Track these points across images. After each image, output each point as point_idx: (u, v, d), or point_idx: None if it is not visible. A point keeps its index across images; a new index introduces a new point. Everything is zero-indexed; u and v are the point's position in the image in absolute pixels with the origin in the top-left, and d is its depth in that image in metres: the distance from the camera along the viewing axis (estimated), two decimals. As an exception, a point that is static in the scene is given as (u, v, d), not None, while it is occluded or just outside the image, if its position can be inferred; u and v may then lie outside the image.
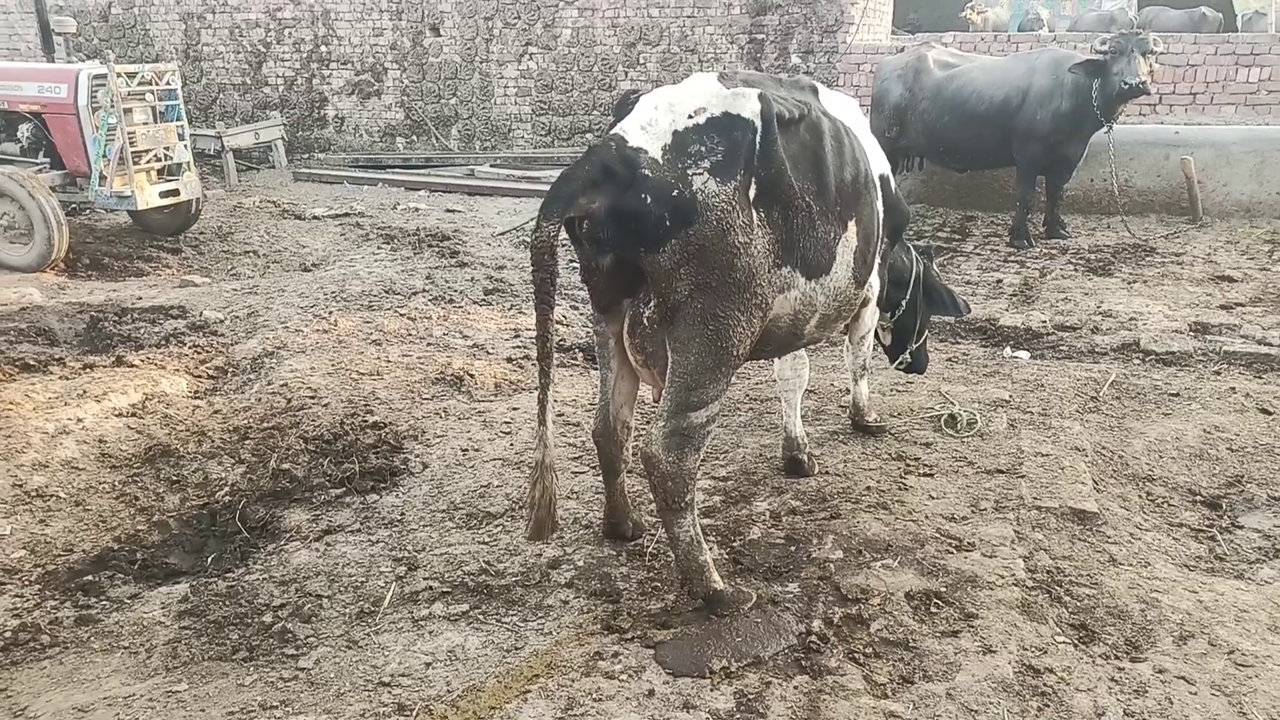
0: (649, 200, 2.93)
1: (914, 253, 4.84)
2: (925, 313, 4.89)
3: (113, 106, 7.99)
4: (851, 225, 3.54)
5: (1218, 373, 5.73)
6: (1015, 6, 26.43)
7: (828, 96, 3.73)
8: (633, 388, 3.58)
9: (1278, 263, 8.11)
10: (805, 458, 4.33)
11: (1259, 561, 3.65)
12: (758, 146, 3.06)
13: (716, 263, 3.00)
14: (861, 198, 3.60)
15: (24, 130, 8.49)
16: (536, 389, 3.13)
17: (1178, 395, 5.33)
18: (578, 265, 3.43)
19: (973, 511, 3.88)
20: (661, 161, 2.98)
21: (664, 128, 3.04)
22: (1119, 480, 4.35)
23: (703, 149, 3.01)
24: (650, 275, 3.04)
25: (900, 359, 4.92)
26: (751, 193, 3.06)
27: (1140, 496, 4.22)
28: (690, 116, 3.06)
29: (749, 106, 3.09)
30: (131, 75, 8.14)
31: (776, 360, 4.33)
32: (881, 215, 3.88)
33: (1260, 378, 5.60)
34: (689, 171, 2.98)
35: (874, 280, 4.12)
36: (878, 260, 4.03)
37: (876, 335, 4.86)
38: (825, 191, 3.35)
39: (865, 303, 4.27)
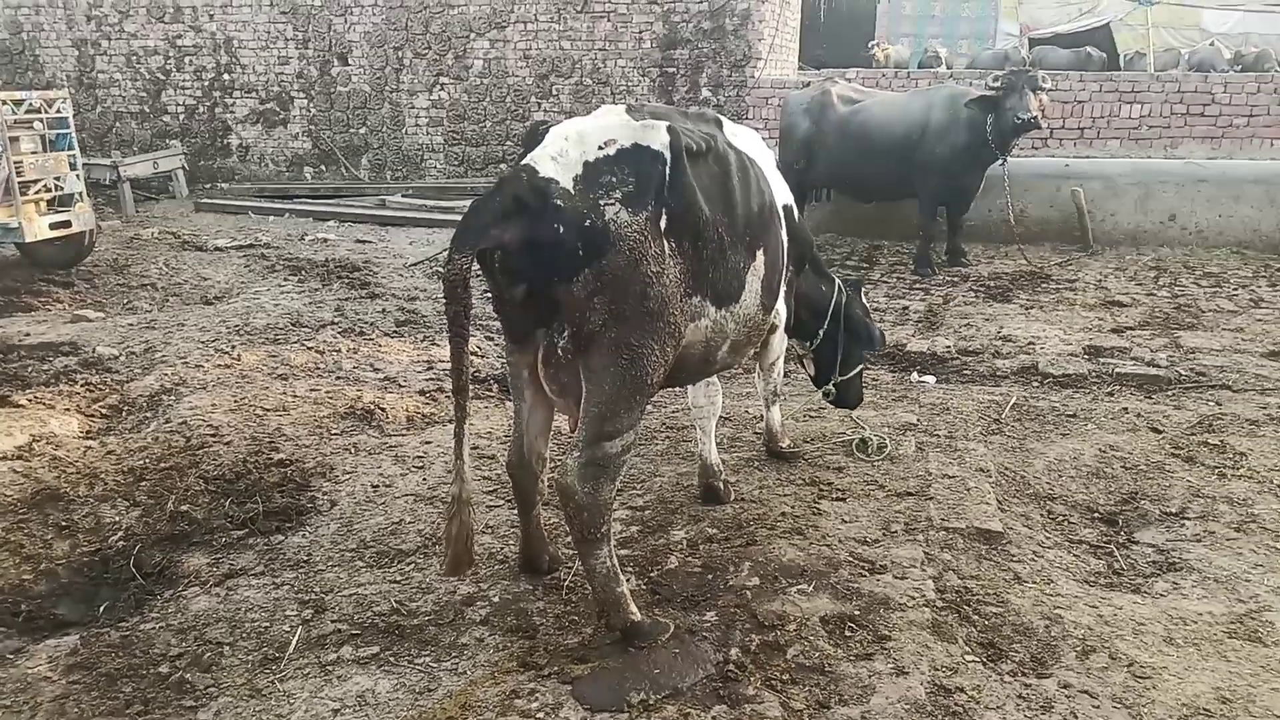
0: (561, 230, 2.92)
1: (836, 283, 4.85)
2: (849, 345, 4.83)
3: (-2, 135, 7.64)
4: (759, 255, 3.61)
5: (1111, 394, 5.98)
6: (916, 44, 27.55)
7: (731, 129, 3.79)
8: (547, 418, 3.55)
9: (1163, 288, 8.55)
10: (721, 485, 4.36)
11: (1154, 575, 3.79)
12: (667, 178, 3.09)
13: (629, 292, 3.01)
14: (769, 228, 3.68)
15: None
16: (451, 422, 3.07)
17: (1075, 416, 5.54)
18: (490, 296, 3.41)
19: (884, 534, 3.95)
20: (573, 192, 2.98)
21: (575, 158, 3.04)
22: (1022, 500, 4.48)
23: (614, 179, 3.02)
24: (564, 305, 3.02)
25: (825, 390, 4.92)
26: (663, 223, 3.08)
27: (1042, 515, 4.36)
28: (600, 148, 3.07)
29: (659, 139, 3.12)
30: (18, 103, 7.80)
31: (690, 388, 4.36)
32: (786, 244, 3.97)
33: (1150, 398, 5.86)
34: (600, 202, 2.98)
35: (780, 308, 4.18)
36: (783, 288, 4.11)
37: (801, 363, 4.93)
38: (734, 222, 3.40)
39: (773, 329, 4.32)
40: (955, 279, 9.08)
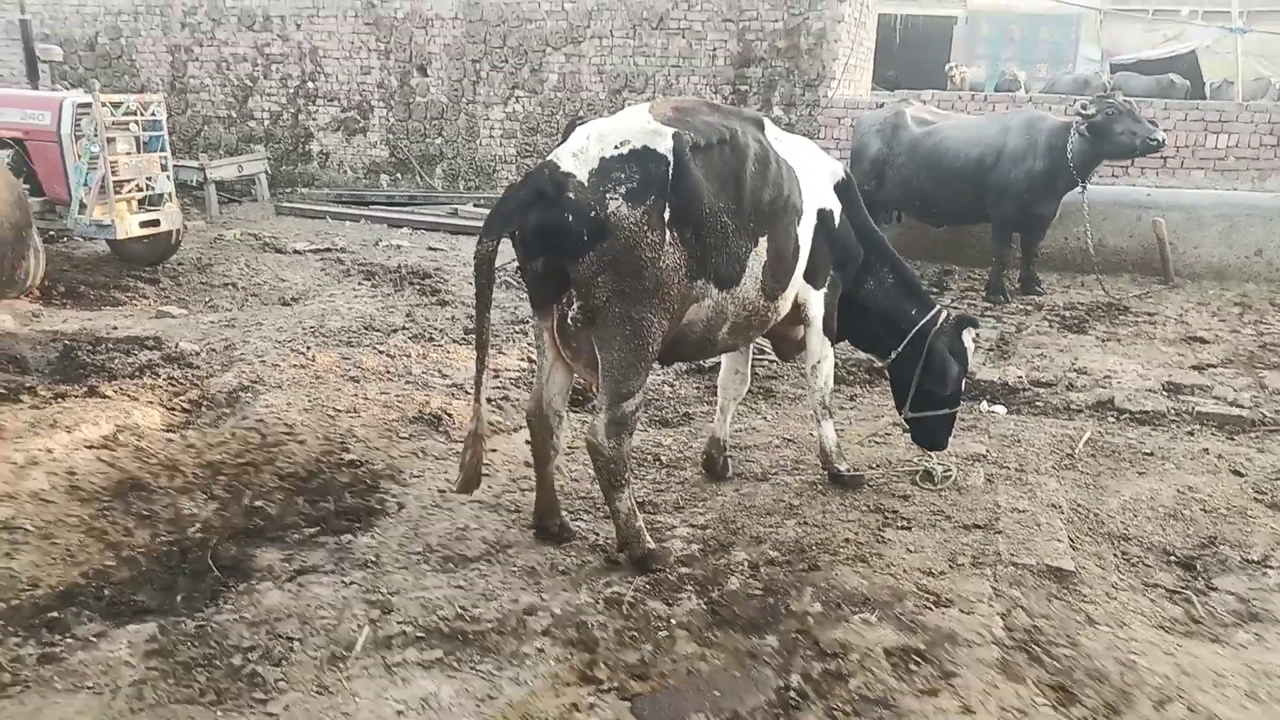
0: (570, 218, 3.45)
1: (933, 309, 4.77)
2: (928, 379, 4.72)
3: (96, 135, 7.96)
4: (763, 241, 3.98)
5: (1191, 433, 5.79)
6: (992, 67, 27.12)
7: (775, 133, 4.23)
8: (565, 380, 4.01)
9: (1247, 325, 8.28)
10: (722, 460, 4.85)
11: (1235, 625, 3.66)
12: (670, 177, 3.55)
13: (627, 272, 3.50)
14: (779, 218, 4.04)
15: (3, 156, 8.41)
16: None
17: (1152, 454, 5.38)
18: (519, 268, 3.94)
19: (951, 566, 3.89)
20: (586, 185, 3.49)
21: (592, 155, 3.55)
22: (1095, 538, 4.37)
23: (621, 176, 3.51)
24: (574, 281, 3.55)
25: (904, 418, 4.85)
26: (666, 215, 3.55)
27: (1116, 556, 4.24)
28: (616, 148, 3.56)
29: (663, 143, 3.59)
30: (117, 105, 8.13)
31: (721, 373, 4.90)
32: (816, 245, 4.32)
33: (1232, 439, 5.67)
34: (607, 195, 3.48)
35: (814, 305, 4.51)
36: (817, 287, 4.48)
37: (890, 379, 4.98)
38: (740, 209, 3.81)
39: (807, 326, 4.57)
40: (1028, 307, 8.90)
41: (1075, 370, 7.00)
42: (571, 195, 3.46)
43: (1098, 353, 7.46)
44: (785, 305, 4.35)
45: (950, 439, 4.92)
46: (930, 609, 3.54)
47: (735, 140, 3.83)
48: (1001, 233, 9.13)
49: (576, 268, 3.50)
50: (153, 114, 8.44)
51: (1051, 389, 6.62)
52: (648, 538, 3.88)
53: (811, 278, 4.43)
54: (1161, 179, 11.12)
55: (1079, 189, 8.68)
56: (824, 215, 4.40)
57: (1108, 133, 8.37)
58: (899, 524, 4.28)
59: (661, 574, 3.81)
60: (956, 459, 5.07)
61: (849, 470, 4.81)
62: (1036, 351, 7.50)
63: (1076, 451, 5.38)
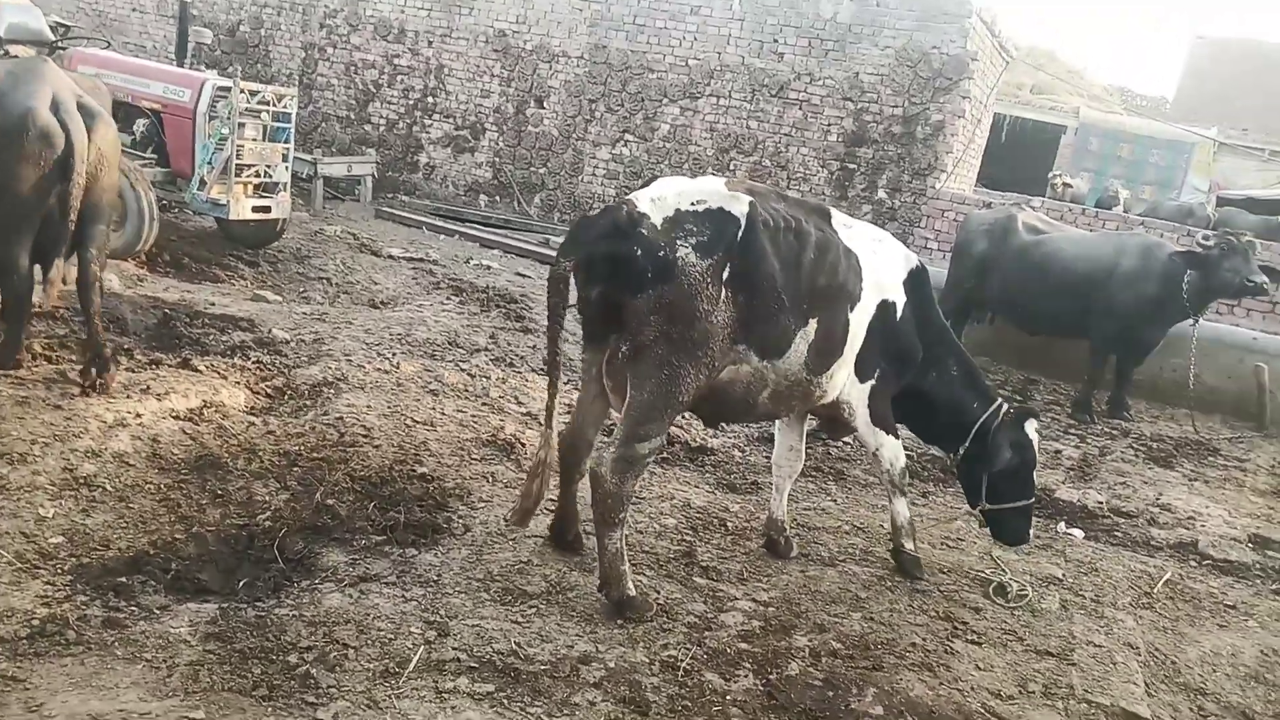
0: (639, 253, 3.60)
1: (994, 403, 4.82)
2: (997, 472, 4.72)
3: (229, 119, 8.27)
4: (814, 323, 4.09)
5: (1277, 591, 5.52)
6: (1096, 181, 26.76)
7: (845, 221, 4.41)
8: (602, 413, 4.17)
9: (1345, 489, 7.90)
10: (783, 540, 4.77)
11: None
12: (738, 239, 3.72)
13: (679, 318, 3.63)
14: (832, 303, 4.17)
15: (140, 125, 8.78)
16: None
17: (1234, 608, 5.13)
18: (577, 298, 3.95)
19: (1020, 692, 3.73)
20: (659, 228, 3.65)
21: (669, 204, 3.73)
22: (1171, 687, 4.16)
23: (693, 228, 3.68)
24: (627, 314, 3.66)
25: (977, 510, 4.86)
26: (725, 274, 3.70)
27: (1192, 710, 4.03)
28: (693, 204, 3.75)
29: (739, 207, 3.78)
30: (254, 93, 8.44)
31: (775, 448, 4.91)
32: (860, 329, 4.35)
33: (1323, 607, 5.38)
34: (677, 241, 3.64)
35: (856, 397, 4.52)
36: (861, 380, 4.49)
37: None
38: (796, 289, 3.95)
39: (850, 417, 4.58)
40: (1114, 431, 8.63)
41: (1158, 505, 6.74)
42: (644, 233, 3.62)
43: (1183, 491, 7.18)
44: (831, 383, 4.39)
45: (1030, 531, 4.90)
46: (995, 734, 3.39)
47: (799, 226, 4.00)
48: (1099, 352, 8.91)
49: (633, 303, 3.63)
50: (285, 107, 8.74)
51: (1132, 521, 6.37)
52: (630, 584, 3.87)
53: (859, 371, 4.50)
54: (1268, 324, 10.77)
55: (1190, 321, 8.45)
56: (884, 306, 4.47)
57: (1215, 267, 8.20)
58: (969, 636, 4.13)
59: (658, 625, 3.79)
60: (1031, 578, 4.90)
61: (914, 551, 4.78)
62: (1119, 479, 7.24)
63: (1155, 591, 5.16)
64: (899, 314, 4.55)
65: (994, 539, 4.95)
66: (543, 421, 4.01)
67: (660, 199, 3.74)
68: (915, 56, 12.14)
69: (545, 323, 4.02)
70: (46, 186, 4.68)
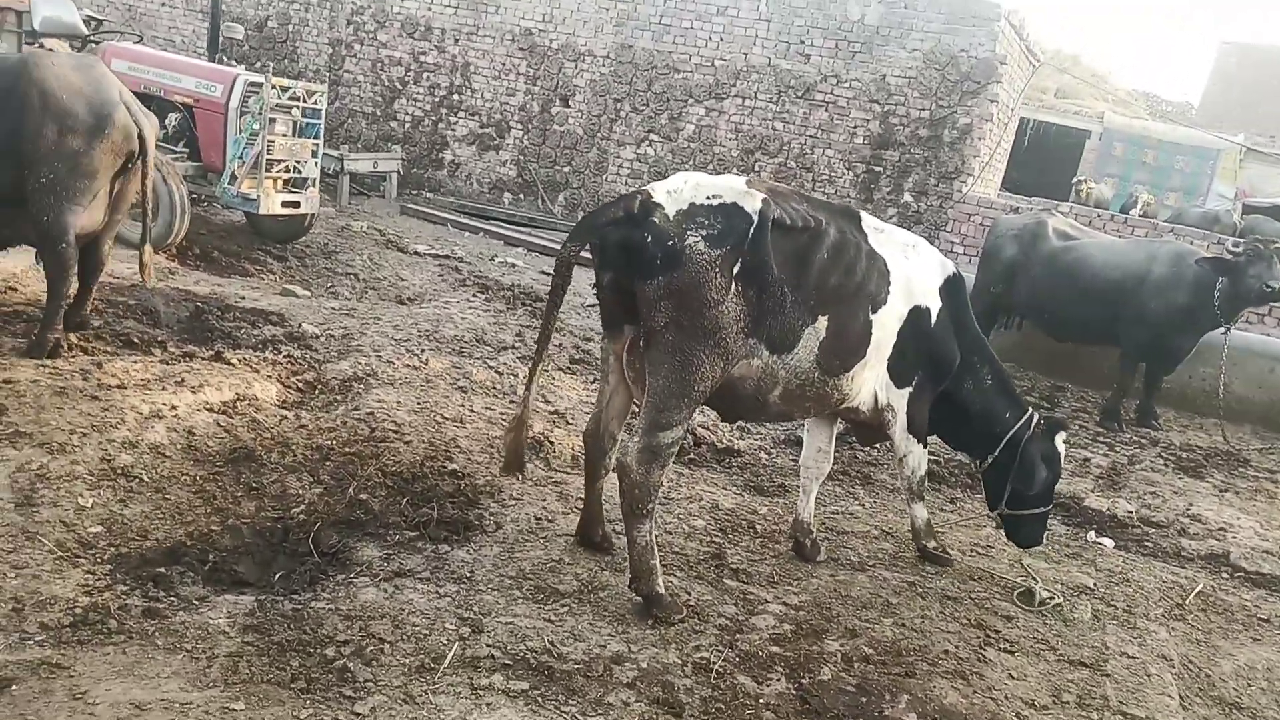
0: (649, 240, 3.65)
1: (1026, 413, 4.87)
2: (1021, 481, 4.78)
3: (260, 114, 8.32)
4: (823, 320, 4.10)
5: (1311, 606, 5.45)
6: (1120, 187, 26.52)
7: (875, 224, 4.43)
8: (625, 404, 4.19)
9: (1377, 502, 7.79)
10: (809, 543, 4.75)
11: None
12: (750, 235, 3.75)
13: (688, 306, 3.67)
14: (846, 304, 4.17)
15: (172, 119, 8.84)
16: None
17: (1268, 622, 5.08)
18: (594, 286, 4.06)
19: (1054, 702, 3.70)
20: (672, 218, 3.70)
21: (685, 197, 3.77)
22: (1205, 701, 4.12)
23: (706, 221, 3.72)
24: (639, 301, 3.72)
25: (996, 514, 4.96)
26: (736, 268, 3.73)
27: (1227, 724, 3.99)
28: (709, 198, 3.78)
29: (752, 204, 3.81)
30: (285, 89, 8.49)
31: (803, 450, 4.91)
32: (888, 334, 4.37)
33: (1358, 622, 5.31)
34: (688, 231, 3.69)
35: (896, 404, 4.58)
36: (899, 387, 4.54)
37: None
38: (804, 287, 3.97)
39: (887, 424, 4.65)
40: (1143, 440, 8.56)
41: (1189, 516, 6.67)
42: (656, 221, 3.68)
43: (1214, 501, 7.11)
44: (852, 386, 4.39)
45: (1045, 535, 5.03)
46: (1031, 743, 3.37)
47: (816, 226, 4.02)
48: (1129, 360, 8.84)
49: (643, 289, 3.69)
50: (315, 103, 8.79)
51: (1162, 531, 6.32)
52: (660, 580, 3.87)
53: (896, 377, 4.54)
54: (1299, 333, 10.65)
55: (1221, 330, 8.36)
56: (917, 311, 4.48)
57: (1241, 274, 8.13)
58: (1001, 645, 4.10)
59: (682, 626, 3.78)
60: (1061, 586, 4.87)
61: (937, 547, 4.92)
62: (1149, 489, 7.18)
63: (1187, 603, 5.11)
64: (933, 320, 4.56)
65: (1009, 540, 5.04)
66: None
67: (676, 191, 3.80)
68: (943, 59, 12.08)
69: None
70: (111, 174, 5.23)
